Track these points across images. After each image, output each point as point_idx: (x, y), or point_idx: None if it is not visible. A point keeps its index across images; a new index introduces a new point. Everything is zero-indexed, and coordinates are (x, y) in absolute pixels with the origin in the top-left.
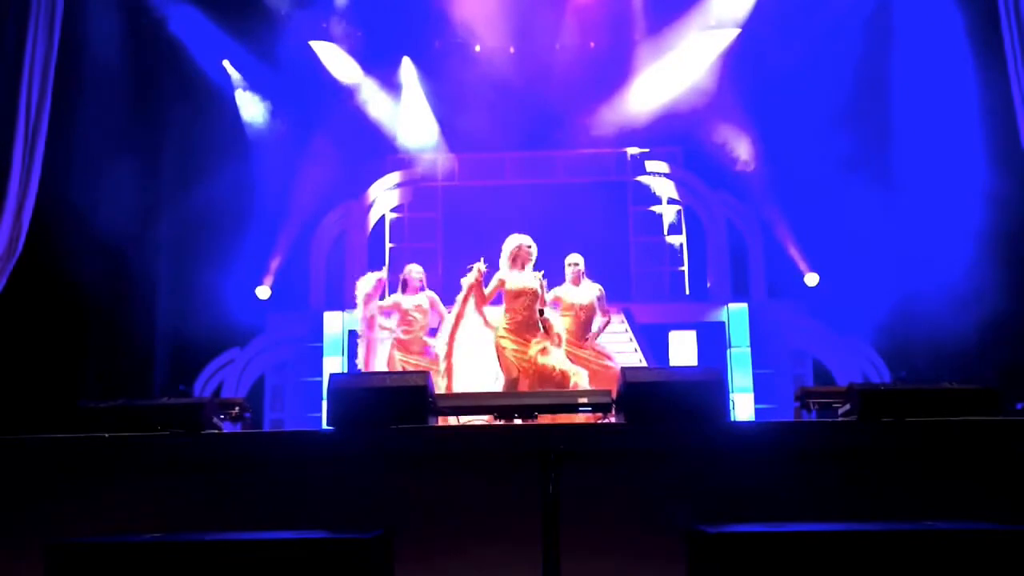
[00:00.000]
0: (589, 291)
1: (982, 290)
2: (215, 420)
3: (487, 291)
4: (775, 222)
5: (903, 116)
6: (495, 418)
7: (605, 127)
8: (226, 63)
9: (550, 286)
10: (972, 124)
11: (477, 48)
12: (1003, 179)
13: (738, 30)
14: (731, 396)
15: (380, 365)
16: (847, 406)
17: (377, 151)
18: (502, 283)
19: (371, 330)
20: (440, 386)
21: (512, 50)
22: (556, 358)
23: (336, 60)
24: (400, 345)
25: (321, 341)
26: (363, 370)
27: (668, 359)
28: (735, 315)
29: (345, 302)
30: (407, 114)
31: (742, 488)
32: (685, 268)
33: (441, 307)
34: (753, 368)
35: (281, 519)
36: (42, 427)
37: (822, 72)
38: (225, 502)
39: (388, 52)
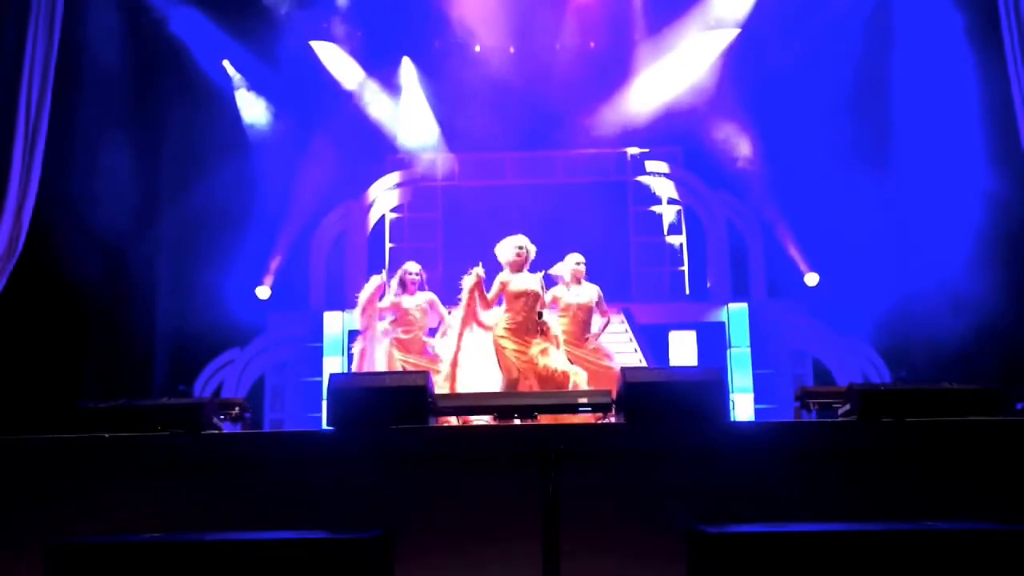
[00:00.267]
0: (588, 291)
1: (982, 290)
2: (215, 420)
3: (490, 295)
4: (775, 222)
5: (903, 116)
6: (495, 418)
7: (605, 127)
8: (226, 63)
9: (548, 286)
10: (972, 124)
11: (477, 48)
12: (1003, 179)
13: (738, 30)
14: (731, 396)
15: (376, 368)
16: (847, 406)
17: (377, 151)
18: (504, 285)
19: (366, 338)
20: (443, 389)
21: (512, 50)
22: (556, 359)
23: (336, 60)
24: (400, 345)
25: (321, 341)
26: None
27: (668, 359)
28: (735, 315)
29: (345, 302)
30: (407, 114)
31: (742, 488)
32: (685, 268)
33: (441, 308)
34: (753, 368)
35: (281, 519)
36: (42, 427)
37: (822, 72)
38: (225, 502)
39: (388, 52)
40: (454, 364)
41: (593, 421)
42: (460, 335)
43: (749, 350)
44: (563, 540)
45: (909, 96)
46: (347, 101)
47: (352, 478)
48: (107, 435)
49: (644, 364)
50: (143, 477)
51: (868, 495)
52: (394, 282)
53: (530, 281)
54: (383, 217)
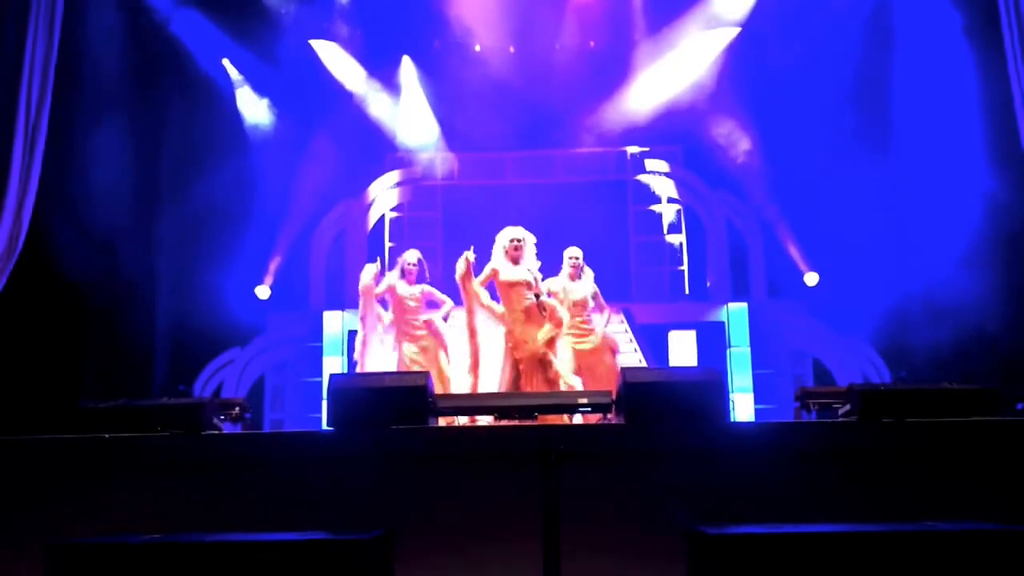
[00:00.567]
0: (585, 286)
1: (982, 290)
2: (215, 420)
3: (479, 278)
4: (775, 222)
5: (903, 115)
6: (496, 418)
7: (605, 126)
8: (226, 62)
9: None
10: (972, 123)
11: (477, 48)
12: (1003, 179)
13: (738, 29)
14: (731, 396)
15: (377, 361)
16: (847, 406)
17: (377, 150)
18: (495, 273)
19: (365, 326)
20: (468, 384)
21: (512, 50)
22: (560, 356)
23: (336, 59)
24: (406, 336)
25: (321, 341)
26: (359, 365)
27: (668, 359)
28: (735, 315)
29: (345, 302)
30: (407, 113)
31: (742, 488)
32: (685, 268)
33: (438, 294)
34: (753, 368)
35: (281, 519)
36: (42, 427)
37: (822, 71)
38: (225, 502)
39: (388, 52)
40: (475, 366)
41: (594, 422)
42: (472, 331)
43: (749, 350)
44: (563, 540)
45: (909, 95)
46: (347, 100)
47: (352, 478)
48: (107, 435)
49: (644, 364)
50: (143, 477)
51: (868, 495)
52: (395, 272)
53: (522, 272)
54: (383, 216)
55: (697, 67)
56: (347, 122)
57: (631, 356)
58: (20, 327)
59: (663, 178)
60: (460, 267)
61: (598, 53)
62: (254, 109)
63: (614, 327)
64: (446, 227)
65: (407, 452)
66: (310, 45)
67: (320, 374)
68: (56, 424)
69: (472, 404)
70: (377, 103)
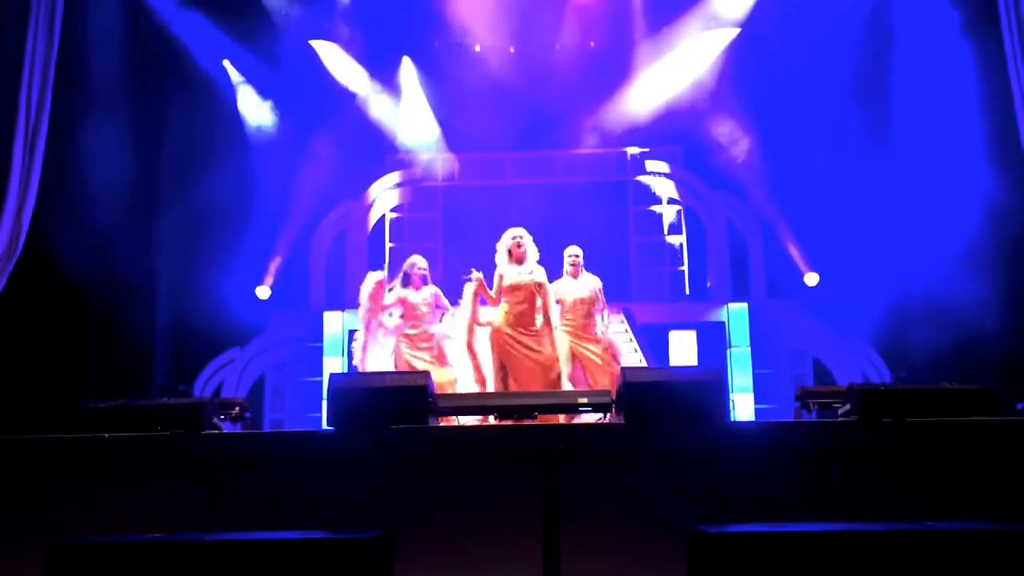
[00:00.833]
0: (587, 284)
1: (982, 290)
2: (215, 420)
3: (493, 292)
4: (775, 222)
5: (903, 115)
6: (496, 418)
7: (605, 127)
8: (226, 63)
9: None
10: (972, 124)
11: (477, 48)
12: (1003, 179)
13: (738, 29)
14: (731, 396)
15: (378, 366)
16: (847, 406)
17: (377, 151)
18: (501, 278)
19: (368, 332)
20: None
21: (512, 50)
22: (547, 350)
23: (336, 60)
24: (408, 341)
25: (321, 341)
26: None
27: (668, 359)
28: (735, 315)
29: (345, 302)
30: (407, 114)
31: (742, 488)
32: (685, 268)
33: (444, 300)
34: (753, 368)
35: (281, 519)
36: (42, 427)
37: (822, 72)
38: (225, 502)
39: (388, 52)
40: (481, 382)
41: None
42: (470, 338)
43: (749, 350)
44: (563, 540)
45: (909, 95)
46: (347, 101)
47: (352, 478)
48: (107, 435)
49: (644, 364)
50: (143, 477)
51: (868, 495)
52: (397, 280)
53: (524, 274)
54: (383, 217)
55: (697, 67)
56: (347, 123)
57: (631, 356)
58: (20, 327)
59: (663, 179)
60: (471, 288)
61: (598, 53)
62: (254, 109)
63: (614, 327)
64: (446, 228)
65: (407, 452)
66: (310, 46)
67: (320, 374)
68: (56, 424)
69: (472, 404)
70: (377, 104)
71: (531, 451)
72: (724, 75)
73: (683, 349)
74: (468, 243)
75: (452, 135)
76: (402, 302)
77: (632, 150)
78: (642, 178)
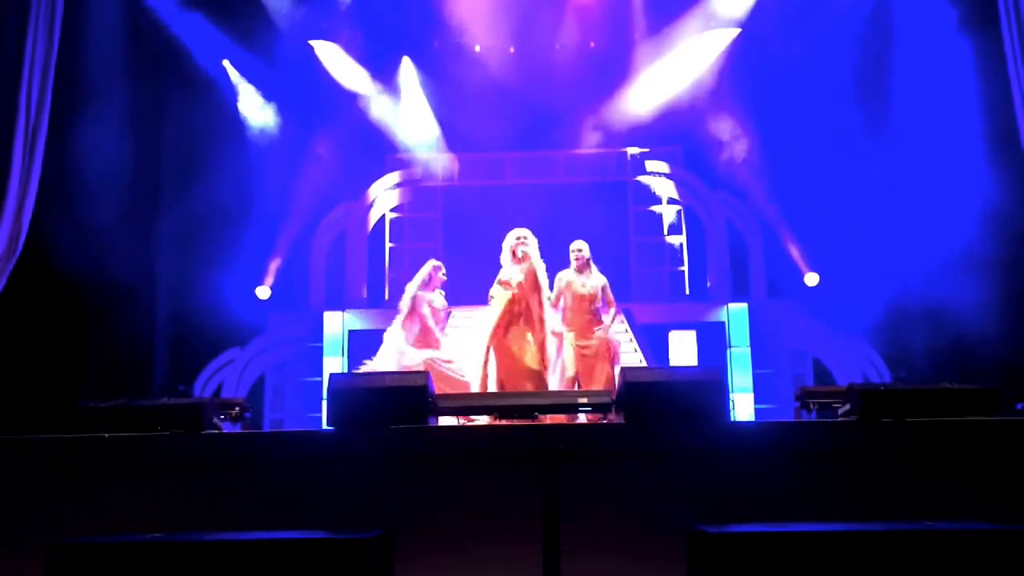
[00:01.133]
0: (592, 280)
1: (982, 290)
2: (215, 420)
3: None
4: (775, 222)
5: (903, 115)
6: (496, 418)
7: (605, 127)
8: (226, 63)
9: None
10: (972, 124)
11: (477, 48)
12: (1003, 179)
13: (738, 29)
14: (731, 396)
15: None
16: (847, 406)
17: (377, 151)
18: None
19: (416, 322)
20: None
21: (512, 50)
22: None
23: (336, 60)
24: (435, 344)
25: (321, 341)
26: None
27: (668, 359)
28: (735, 315)
29: (345, 302)
30: (407, 114)
31: (742, 488)
32: (685, 268)
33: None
34: (753, 368)
35: (281, 519)
36: (42, 427)
37: (822, 72)
38: (225, 502)
39: (388, 52)
40: (484, 378)
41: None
42: (487, 348)
43: (749, 350)
44: (563, 540)
45: (909, 95)
46: (347, 101)
47: (352, 478)
48: (107, 435)
49: (644, 364)
50: (143, 477)
51: (868, 495)
52: (415, 284)
53: (517, 273)
54: (383, 217)
55: (697, 67)
56: (348, 123)
57: (631, 356)
58: (20, 327)
59: (663, 179)
60: (507, 295)
61: (598, 53)
62: (254, 110)
63: (615, 327)
64: (446, 228)
65: (407, 452)
66: (310, 46)
67: (320, 374)
68: (56, 424)
69: (472, 404)
70: (377, 104)
71: (531, 451)
72: (724, 75)
73: (683, 349)
74: (468, 243)
75: (452, 135)
76: (430, 305)
77: (632, 150)
78: (642, 178)
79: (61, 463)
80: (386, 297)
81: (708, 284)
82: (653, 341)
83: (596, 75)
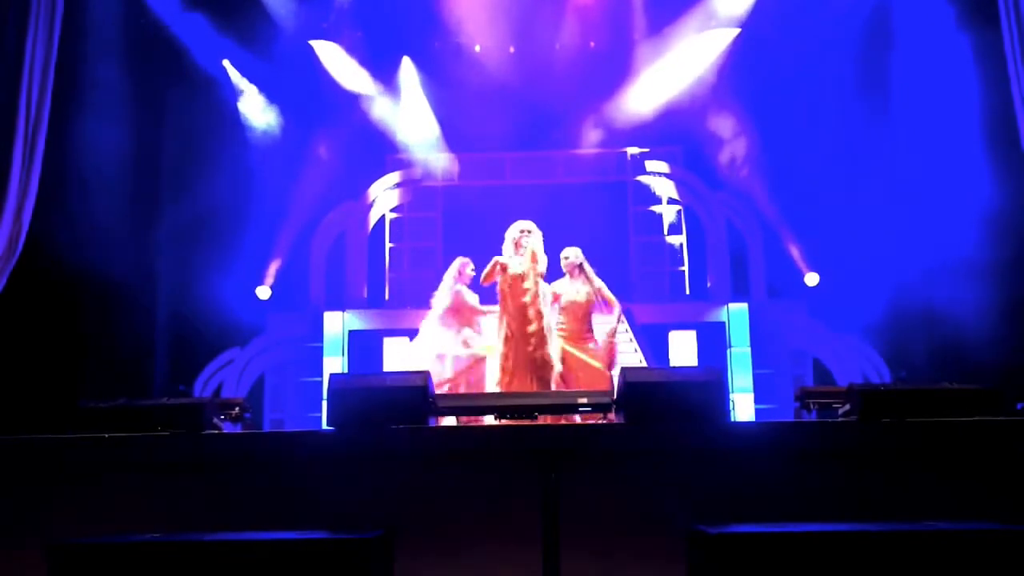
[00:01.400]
0: (580, 288)
1: (982, 290)
2: (215, 420)
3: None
4: (775, 222)
5: (904, 115)
6: (495, 418)
7: (605, 127)
8: (226, 63)
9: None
10: (972, 123)
11: (477, 48)
12: (1003, 179)
13: (738, 29)
14: (731, 396)
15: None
16: (847, 406)
17: (377, 151)
18: (504, 268)
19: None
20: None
21: (512, 50)
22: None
23: (336, 60)
24: (467, 322)
25: (321, 341)
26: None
27: (668, 359)
28: (735, 315)
29: (345, 302)
30: (407, 114)
31: (742, 488)
32: (685, 268)
33: None
34: (753, 368)
35: (281, 519)
36: (42, 427)
37: (822, 72)
38: (225, 502)
39: (388, 52)
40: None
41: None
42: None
43: (749, 350)
44: (563, 540)
45: (909, 95)
46: (347, 101)
47: (352, 478)
48: (107, 435)
49: (644, 364)
50: (143, 477)
51: (868, 495)
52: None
53: (522, 265)
54: (383, 217)
55: (697, 67)
56: (348, 123)
57: (631, 356)
58: (20, 327)
59: (663, 179)
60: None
61: (598, 53)
62: (254, 110)
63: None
64: (446, 228)
65: (407, 452)
66: (310, 46)
67: (320, 374)
68: (56, 424)
69: (472, 404)
70: (378, 104)
71: (531, 451)
72: (724, 75)
73: (683, 349)
74: (468, 243)
75: (452, 135)
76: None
77: (632, 150)
78: (642, 178)
79: (61, 463)
80: (386, 297)
81: (708, 284)
82: (653, 341)
83: (596, 75)
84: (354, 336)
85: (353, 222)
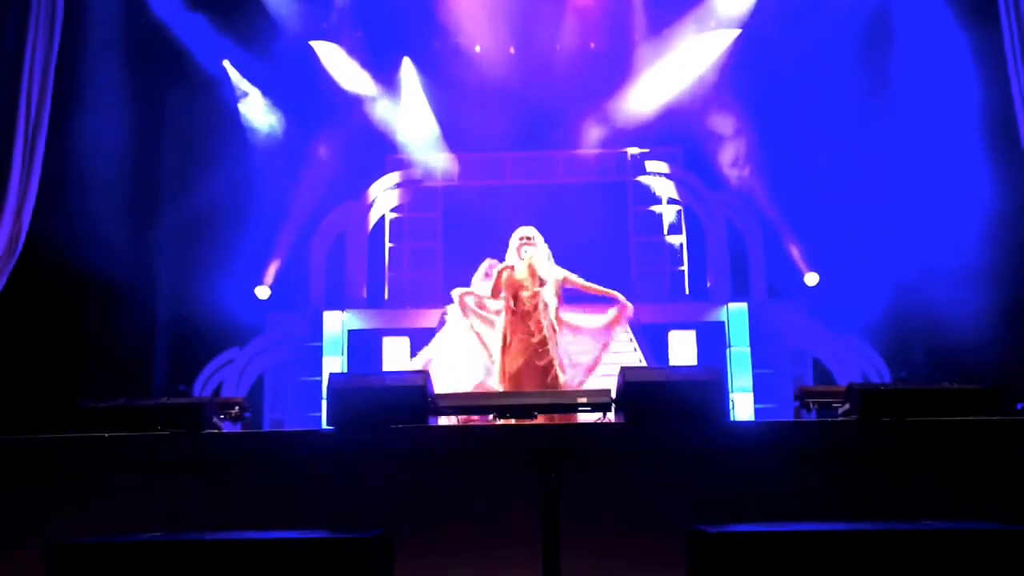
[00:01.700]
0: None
1: (982, 290)
2: (215, 420)
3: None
4: (775, 222)
5: (904, 116)
6: (495, 418)
7: (605, 127)
8: (226, 63)
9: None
10: (972, 123)
11: (477, 48)
12: (1003, 179)
13: (739, 30)
14: (731, 396)
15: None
16: (847, 406)
17: (377, 151)
18: (509, 276)
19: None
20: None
21: (512, 51)
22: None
23: (336, 60)
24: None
25: (321, 341)
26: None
27: (668, 359)
28: (735, 315)
29: (345, 302)
30: (407, 114)
31: (742, 488)
32: (685, 268)
33: None
34: (753, 368)
35: (281, 519)
36: (42, 427)
37: (822, 72)
38: (225, 502)
39: (388, 52)
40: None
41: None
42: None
43: (749, 350)
44: (563, 540)
45: (909, 95)
46: (348, 101)
47: (352, 478)
48: (107, 435)
49: (644, 364)
50: (143, 477)
51: (868, 495)
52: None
53: (523, 269)
54: (383, 217)
55: (697, 68)
56: (348, 123)
57: (631, 356)
58: (20, 327)
59: (663, 179)
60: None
61: (598, 54)
62: (254, 110)
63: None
64: (446, 228)
65: (407, 452)
66: (310, 46)
67: (320, 374)
68: (56, 424)
69: (472, 404)
70: (378, 104)
71: (531, 451)
72: (724, 75)
73: (683, 349)
74: (468, 243)
75: (452, 135)
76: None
77: (632, 150)
78: (642, 178)
79: (61, 463)
80: (386, 297)
81: (708, 284)
82: (653, 341)
83: (596, 75)
84: (354, 336)
85: (353, 222)
